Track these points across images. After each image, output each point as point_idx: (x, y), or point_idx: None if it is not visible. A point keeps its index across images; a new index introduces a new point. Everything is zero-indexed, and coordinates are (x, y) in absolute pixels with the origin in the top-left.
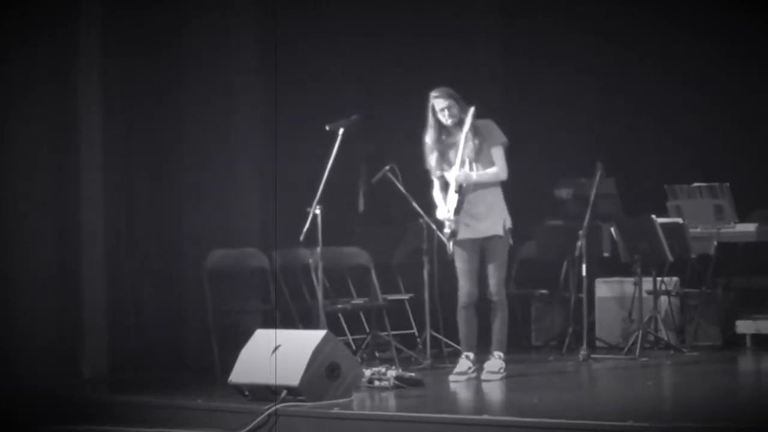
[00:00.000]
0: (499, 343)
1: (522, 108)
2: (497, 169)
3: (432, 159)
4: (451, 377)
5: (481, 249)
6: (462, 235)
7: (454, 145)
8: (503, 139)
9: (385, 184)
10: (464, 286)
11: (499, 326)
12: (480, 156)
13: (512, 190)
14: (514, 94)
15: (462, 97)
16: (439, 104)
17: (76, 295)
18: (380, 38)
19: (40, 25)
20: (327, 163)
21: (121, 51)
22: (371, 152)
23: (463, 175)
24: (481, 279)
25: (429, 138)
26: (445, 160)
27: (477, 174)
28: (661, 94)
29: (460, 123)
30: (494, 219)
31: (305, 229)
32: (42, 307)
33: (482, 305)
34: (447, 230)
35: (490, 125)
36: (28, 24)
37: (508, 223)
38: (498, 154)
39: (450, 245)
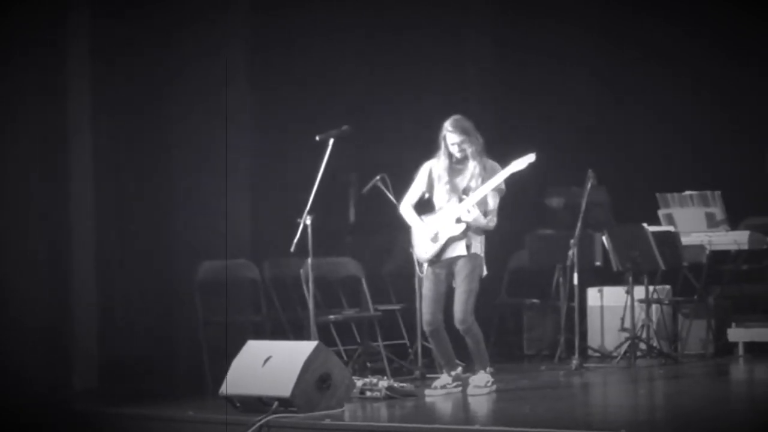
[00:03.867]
0: (480, 362)
1: (513, 117)
2: (491, 218)
3: (424, 183)
4: (427, 391)
5: (448, 272)
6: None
7: (461, 173)
8: (502, 186)
9: (375, 194)
10: (425, 314)
11: (474, 349)
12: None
13: (504, 198)
14: (506, 102)
15: (474, 128)
16: (451, 139)
17: (66, 307)
18: (371, 47)
19: (28, 36)
20: (317, 173)
21: (110, 64)
22: (361, 162)
23: (475, 215)
24: (447, 304)
25: (440, 165)
26: (451, 187)
27: (477, 219)
28: (653, 102)
29: (467, 156)
30: (462, 241)
31: (296, 240)
32: (32, 319)
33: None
34: (426, 255)
35: (496, 168)
36: (15, 34)
37: (479, 250)
38: (495, 201)
39: (425, 267)
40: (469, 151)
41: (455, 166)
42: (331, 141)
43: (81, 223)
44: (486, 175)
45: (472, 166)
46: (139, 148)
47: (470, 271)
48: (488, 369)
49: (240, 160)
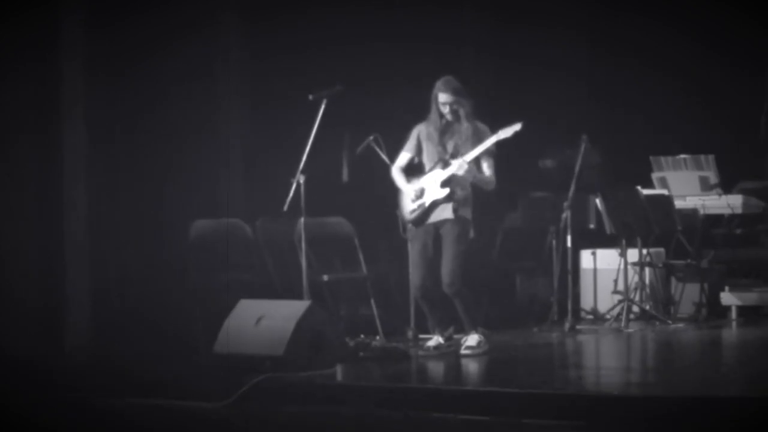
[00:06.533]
0: (470, 325)
1: (508, 79)
2: (491, 179)
3: (413, 147)
4: (419, 352)
5: (435, 236)
6: (420, 218)
7: (451, 135)
8: (492, 148)
9: (369, 154)
10: (414, 279)
11: (464, 312)
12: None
13: (497, 161)
14: (500, 65)
15: (465, 90)
16: (442, 98)
17: (59, 266)
18: (365, 7)
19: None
20: (310, 132)
21: (104, 27)
22: (355, 122)
23: (466, 168)
24: (436, 268)
25: (430, 126)
26: (441, 148)
27: (477, 176)
28: (647, 65)
29: (458, 118)
30: (449, 204)
31: (289, 199)
32: (24, 279)
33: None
34: (411, 216)
35: (486, 132)
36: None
37: (467, 214)
38: (490, 163)
39: (409, 228)
40: (461, 112)
41: (445, 127)
42: (324, 101)
43: (73, 182)
44: (476, 138)
45: (464, 128)
46: (132, 109)
47: (457, 234)
48: (479, 330)
49: (233, 119)
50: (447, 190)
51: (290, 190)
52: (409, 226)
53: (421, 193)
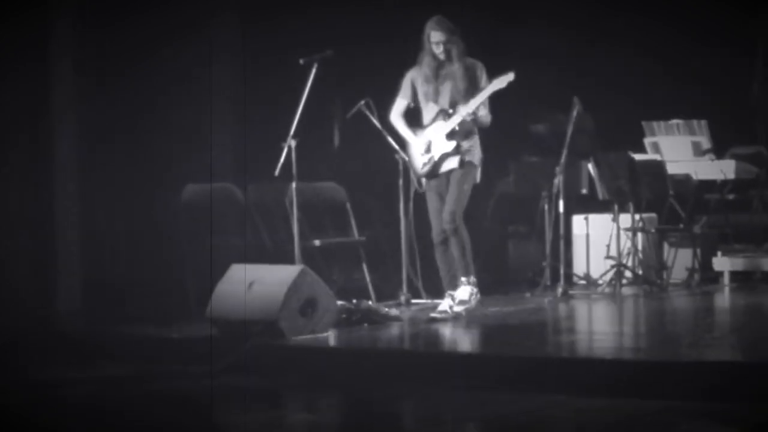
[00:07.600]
0: (464, 269)
1: (500, 42)
2: (488, 116)
3: (408, 95)
4: (432, 314)
5: (447, 183)
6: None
7: (445, 77)
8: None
9: (360, 118)
10: (434, 225)
11: (459, 255)
12: (466, 97)
13: (490, 125)
14: (492, 28)
15: (457, 28)
16: (435, 38)
17: (50, 230)
18: (364, 7)
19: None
20: (301, 97)
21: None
22: (346, 86)
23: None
24: None
25: (423, 68)
26: (435, 90)
27: (479, 117)
28: (639, 29)
29: (450, 57)
30: (456, 156)
31: (280, 164)
32: (15, 242)
33: None
34: (423, 170)
35: (477, 65)
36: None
37: (474, 159)
38: (485, 103)
39: (423, 182)
40: (453, 51)
41: (439, 68)
42: (315, 65)
43: (64, 145)
44: (469, 76)
45: (457, 68)
46: (124, 70)
47: (462, 176)
48: (471, 279)
49: (224, 82)
50: (453, 143)
51: (281, 154)
52: (423, 179)
53: (428, 147)
